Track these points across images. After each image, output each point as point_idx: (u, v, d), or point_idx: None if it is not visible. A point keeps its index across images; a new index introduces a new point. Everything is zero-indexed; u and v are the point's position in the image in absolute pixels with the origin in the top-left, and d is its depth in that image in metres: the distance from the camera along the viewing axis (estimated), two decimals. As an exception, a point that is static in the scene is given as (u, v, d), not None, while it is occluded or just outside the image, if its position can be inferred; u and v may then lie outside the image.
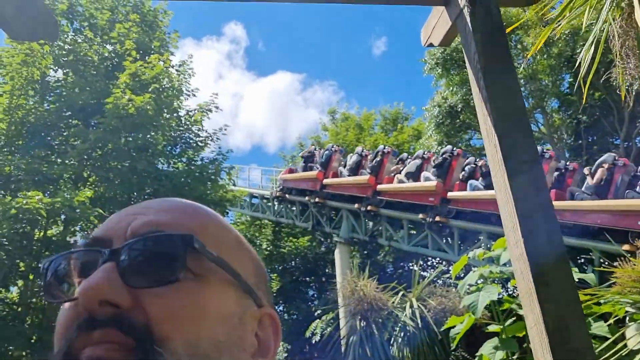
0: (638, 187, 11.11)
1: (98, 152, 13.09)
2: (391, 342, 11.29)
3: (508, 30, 14.02)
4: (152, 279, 0.54)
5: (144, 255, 0.55)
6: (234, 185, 16.76)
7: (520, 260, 1.90)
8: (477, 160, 15.26)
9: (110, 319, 0.51)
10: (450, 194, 14.81)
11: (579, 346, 1.73)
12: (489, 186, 13.25)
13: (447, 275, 14.85)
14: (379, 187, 16.93)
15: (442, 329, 8.74)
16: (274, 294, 24.75)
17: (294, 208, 21.90)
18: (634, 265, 3.84)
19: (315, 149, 21.49)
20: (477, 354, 4.85)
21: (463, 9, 2.48)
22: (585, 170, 12.05)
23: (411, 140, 31.01)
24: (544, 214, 1.96)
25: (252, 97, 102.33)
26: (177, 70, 15.32)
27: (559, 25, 4.10)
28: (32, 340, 12.43)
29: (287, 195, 21.65)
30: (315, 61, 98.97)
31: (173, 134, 15.13)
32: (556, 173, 12.74)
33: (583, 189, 11.76)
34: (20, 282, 13.57)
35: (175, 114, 14.96)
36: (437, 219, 15.09)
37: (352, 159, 18.47)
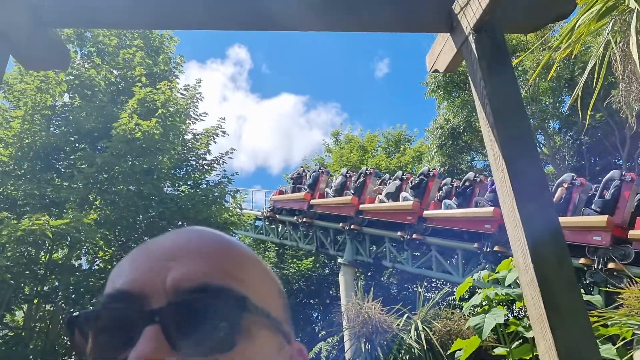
0: (593, 204, 11.58)
1: (104, 176, 13.15)
2: (396, 365, 11.16)
3: (514, 62, 14.27)
4: (207, 347, 0.49)
5: (195, 320, 0.50)
6: (240, 208, 16.82)
7: (531, 286, 1.89)
8: (454, 180, 16.12)
9: None
10: (425, 213, 15.57)
11: (592, 373, 1.72)
12: (461, 205, 14.35)
13: (452, 297, 14.79)
14: (362, 206, 17.84)
15: (448, 352, 8.66)
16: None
17: (298, 230, 22.00)
18: (641, 286, 3.83)
19: (303, 171, 22.44)
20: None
21: (468, 37, 2.52)
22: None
23: (414, 162, 31.07)
24: (553, 239, 1.97)
25: (256, 119, 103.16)
26: (182, 94, 15.44)
27: (560, 48, 4.15)
28: (36, 365, 12.35)
29: (277, 216, 22.58)
30: (318, 83, 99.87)
31: (179, 157, 15.21)
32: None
33: None
34: (25, 306, 13.51)
35: (181, 138, 15.06)
36: (414, 236, 15.88)
37: (337, 180, 19.57)
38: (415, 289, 21.44)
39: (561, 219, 12.19)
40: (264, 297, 0.57)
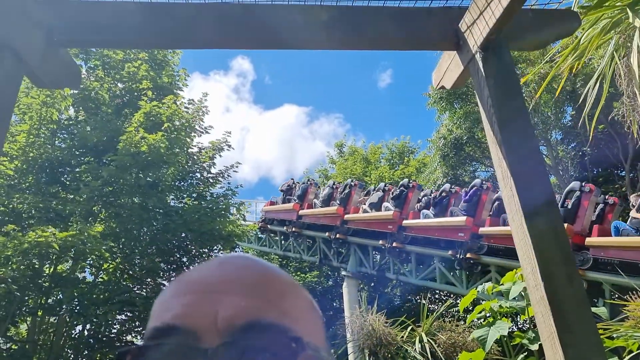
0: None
1: (109, 189, 13.17)
2: (401, 378, 11.08)
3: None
4: None
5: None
6: (244, 219, 16.94)
7: (541, 303, 1.90)
8: (433, 191, 17.11)
9: None
10: (405, 222, 16.36)
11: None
12: (438, 214, 15.25)
13: (456, 309, 14.78)
14: (347, 216, 18.66)
15: (453, 365, 8.61)
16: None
17: (302, 242, 22.10)
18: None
19: (293, 183, 23.30)
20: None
21: (475, 54, 2.55)
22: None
23: (417, 174, 31.07)
24: (562, 257, 1.97)
25: (259, 130, 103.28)
26: (185, 108, 15.49)
27: (562, 60, 4.18)
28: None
29: (268, 226, 23.54)
30: (321, 94, 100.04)
31: (184, 170, 15.25)
32: (497, 202, 14.00)
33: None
34: (29, 319, 13.49)
35: (186, 150, 15.10)
36: (395, 244, 16.62)
37: (324, 191, 20.48)
38: (418, 300, 21.37)
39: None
40: (310, 329, 0.58)
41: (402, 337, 11.79)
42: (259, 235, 25.25)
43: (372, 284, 24.92)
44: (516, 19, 2.39)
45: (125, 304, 13.04)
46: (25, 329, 14.46)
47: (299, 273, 27.78)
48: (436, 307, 14.42)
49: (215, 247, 15.38)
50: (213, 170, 16.31)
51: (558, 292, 1.88)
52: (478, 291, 5.41)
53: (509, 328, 4.81)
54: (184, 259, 15.39)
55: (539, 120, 22.65)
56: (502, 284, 5.22)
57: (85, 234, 11.35)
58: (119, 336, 14.47)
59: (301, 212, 20.91)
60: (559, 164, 23.87)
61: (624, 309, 4.02)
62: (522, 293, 4.63)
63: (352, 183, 19.70)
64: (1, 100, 2.31)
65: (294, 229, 21.28)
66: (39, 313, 13.09)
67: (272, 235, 24.21)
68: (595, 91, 4.13)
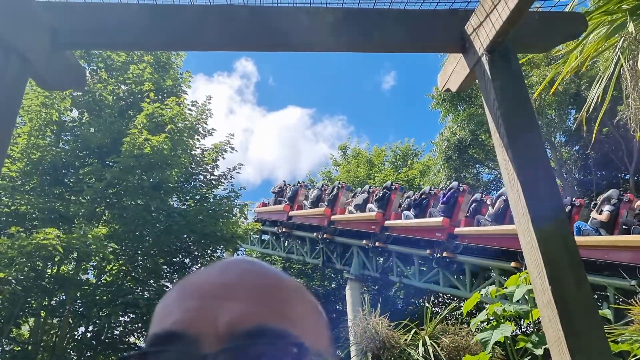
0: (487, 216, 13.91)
1: (113, 190, 13.17)
2: (404, 381, 11.06)
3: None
4: None
5: None
6: (245, 219, 16.99)
7: (548, 307, 1.88)
8: (415, 193, 17.77)
9: None
10: (387, 222, 17.14)
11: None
12: (418, 215, 16.02)
13: (459, 312, 14.76)
14: (333, 217, 19.48)
15: (457, 369, 8.58)
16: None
17: (305, 245, 22.16)
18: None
19: (284, 185, 24.16)
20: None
21: (481, 57, 2.54)
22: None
23: (421, 176, 31.04)
24: (570, 260, 1.95)
25: (262, 131, 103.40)
26: (189, 110, 15.48)
27: (567, 61, 4.16)
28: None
29: (261, 226, 24.04)
30: (324, 96, 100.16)
31: (187, 172, 15.25)
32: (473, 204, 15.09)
33: (486, 216, 14.23)
34: (31, 320, 13.48)
35: (189, 152, 15.10)
36: (377, 244, 17.47)
37: (313, 193, 21.23)
38: (422, 303, 21.34)
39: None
40: (313, 333, 0.57)
41: (406, 340, 11.76)
42: (262, 238, 25.32)
43: (376, 287, 24.88)
44: (522, 21, 2.37)
45: (128, 305, 13.01)
46: (27, 331, 14.44)
47: (302, 276, 27.74)
48: (440, 310, 14.45)
49: (217, 249, 15.39)
50: (216, 172, 16.31)
51: (566, 297, 1.86)
52: (481, 294, 5.40)
53: (513, 332, 4.80)
54: (187, 261, 15.39)
55: (543, 123, 22.60)
56: (506, 287, 5.22)
57: (89, 235, 11.37)
58: (122, 338, 14.45)
59: (291, 213, 21.76)
60: (562, 167, 23.82)
61: (629, 313, 3.99)
62: (526, 296, 4.61)
63: (339, 185, 20.64)
64: (7, 102, 2.31)
65: (284, 230, 22.20)
66: (42, 314, 13.09)
67: (275, 237, 24.33)
68: (600, 94, 4.11)
